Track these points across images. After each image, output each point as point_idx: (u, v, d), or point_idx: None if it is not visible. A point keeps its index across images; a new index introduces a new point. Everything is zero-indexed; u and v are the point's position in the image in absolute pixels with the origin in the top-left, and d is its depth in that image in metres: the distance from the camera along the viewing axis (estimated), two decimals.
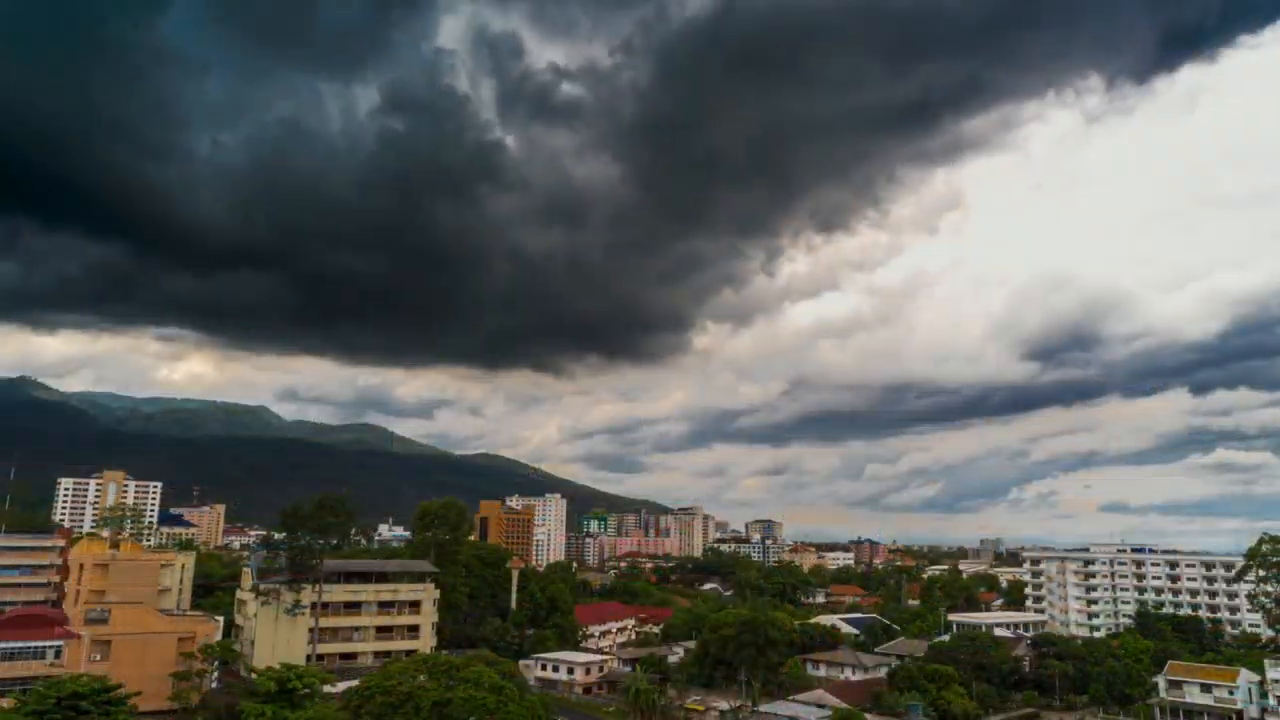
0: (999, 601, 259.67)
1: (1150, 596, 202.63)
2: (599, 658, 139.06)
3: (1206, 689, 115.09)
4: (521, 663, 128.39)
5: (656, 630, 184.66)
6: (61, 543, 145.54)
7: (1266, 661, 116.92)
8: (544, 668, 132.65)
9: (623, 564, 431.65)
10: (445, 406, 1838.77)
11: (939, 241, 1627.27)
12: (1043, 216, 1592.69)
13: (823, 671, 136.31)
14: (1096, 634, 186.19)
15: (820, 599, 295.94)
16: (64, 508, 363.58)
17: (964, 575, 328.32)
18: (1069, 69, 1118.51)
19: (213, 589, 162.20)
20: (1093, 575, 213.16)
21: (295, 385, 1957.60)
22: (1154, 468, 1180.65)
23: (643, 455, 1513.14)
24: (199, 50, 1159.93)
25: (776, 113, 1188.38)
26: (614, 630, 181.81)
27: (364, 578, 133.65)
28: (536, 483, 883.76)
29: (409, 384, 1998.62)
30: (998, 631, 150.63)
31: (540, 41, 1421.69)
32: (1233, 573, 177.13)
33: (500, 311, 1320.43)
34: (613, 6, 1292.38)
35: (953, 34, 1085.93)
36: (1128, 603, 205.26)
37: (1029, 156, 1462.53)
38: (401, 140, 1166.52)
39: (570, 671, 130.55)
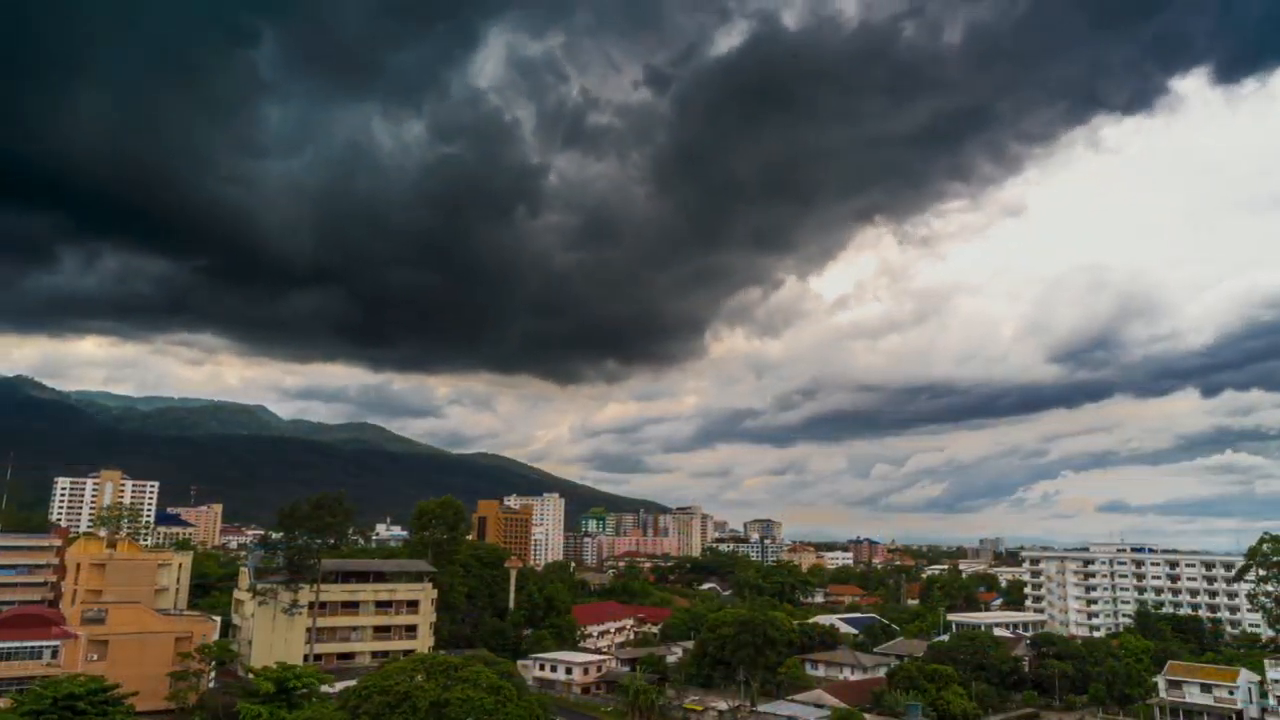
0: (998, 601, 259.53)
1: (1150, 596, 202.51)
2: (597, 658, 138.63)
3: (1206, 689, 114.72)
4: (520, 663, 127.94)
5: (655, 630, 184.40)
6: (58, 542, 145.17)
7: (1266, 661, 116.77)
8: (542, 668, 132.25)
9: (621, 564, 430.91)
10: (471, 411, 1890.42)
11: (972, 247, 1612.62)
12: (1089, 220, 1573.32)
13: (821, 671, 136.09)
14: (1096, 634, 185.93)
15: (819, 599, 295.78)
16: (61, 507, 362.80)
17: (963, 575, 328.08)
18: (1137, 77, 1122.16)
19: (210, 589, 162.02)
20: (1092, 575, 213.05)
21: (322, 390, 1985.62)
22: (1173, 467, 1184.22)
23: (652, 456, 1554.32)
24: (281, 81, 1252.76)
25: (795, 140, 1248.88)
26: (612, 630, 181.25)
27: (362, 577, 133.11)
28: (537, 482, 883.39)
29: (437, 389, 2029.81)
30: (997, 631, 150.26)
31: (577, 73, 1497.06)
32: (1233, 572, 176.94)
33: (529, 320, 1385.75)
34: (652, 44, 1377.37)
35: (960, 70, 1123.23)
36: (1127, 602, 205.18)
37: (1087, 164, 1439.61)
38: (447, 165, 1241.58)
39: (569, 671, 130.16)
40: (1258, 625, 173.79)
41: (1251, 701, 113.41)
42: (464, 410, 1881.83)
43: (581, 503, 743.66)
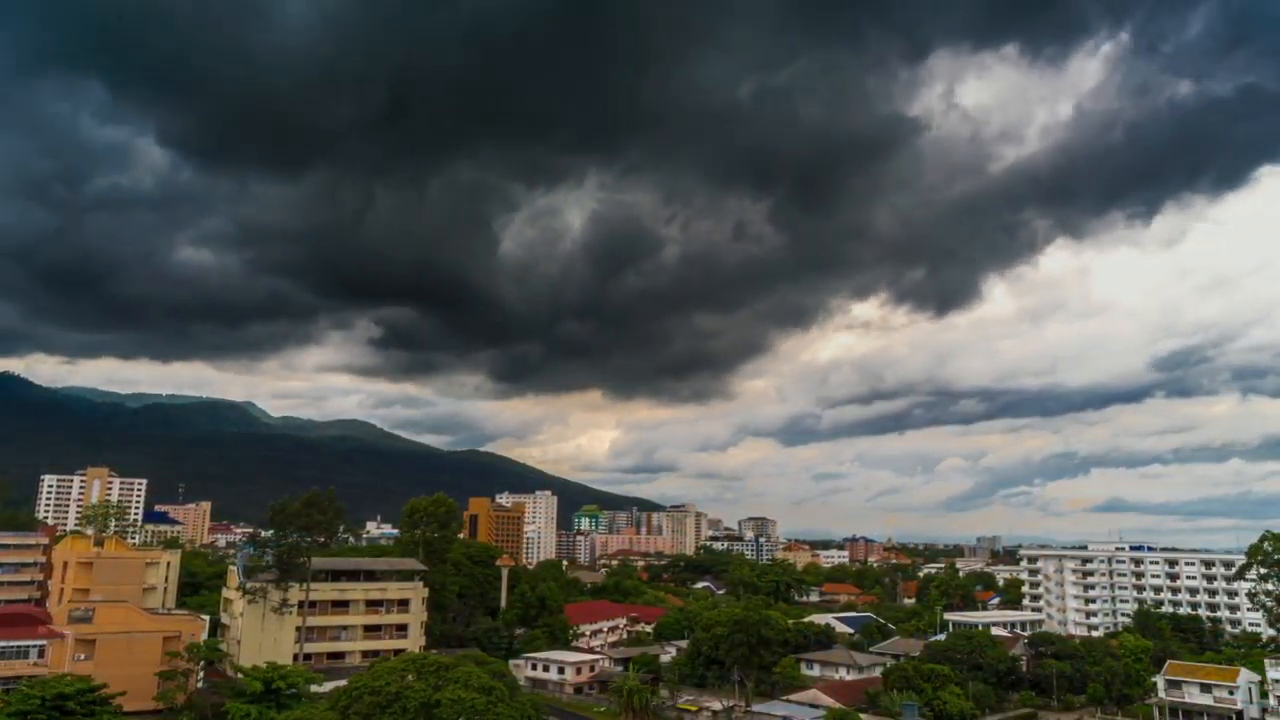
0: (996, 600, 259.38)
1: (1149, 595, 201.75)
2: (590, 657, 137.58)
3: (1206, 689, 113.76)
4: (512, 662, 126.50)
5: (648, 629, 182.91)
6: (45, 540, 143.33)
7: (1267, 661, 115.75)
8: (534, 667, 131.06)
9: (614, 562, 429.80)
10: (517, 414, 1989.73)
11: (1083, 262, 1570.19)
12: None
13: (817, 671, 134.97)
14: (1095, 633, 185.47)
15: (814, 598, 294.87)
16: (48, 505, 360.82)
17: (960, 574, 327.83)
18: None
19: (199, 587, 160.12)
20: (1091, 574, 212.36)
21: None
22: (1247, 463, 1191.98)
23: (684, 457, 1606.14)
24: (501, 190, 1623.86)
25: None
26: (605, 629, 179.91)
27: (352, 576, 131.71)
28: (535, 481, 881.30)
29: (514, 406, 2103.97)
30: (994, 631, 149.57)
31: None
32: (1232, 571, 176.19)
33: (627, 352, 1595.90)
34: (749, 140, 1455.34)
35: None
36: (1126, 601, 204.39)
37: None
38: (595, 240, 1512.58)
39: (561, 671, 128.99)
40: (1258, 625, 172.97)
41: (1251, 701, 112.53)
42: (492, 414, 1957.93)
43: (575, 501, 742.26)
